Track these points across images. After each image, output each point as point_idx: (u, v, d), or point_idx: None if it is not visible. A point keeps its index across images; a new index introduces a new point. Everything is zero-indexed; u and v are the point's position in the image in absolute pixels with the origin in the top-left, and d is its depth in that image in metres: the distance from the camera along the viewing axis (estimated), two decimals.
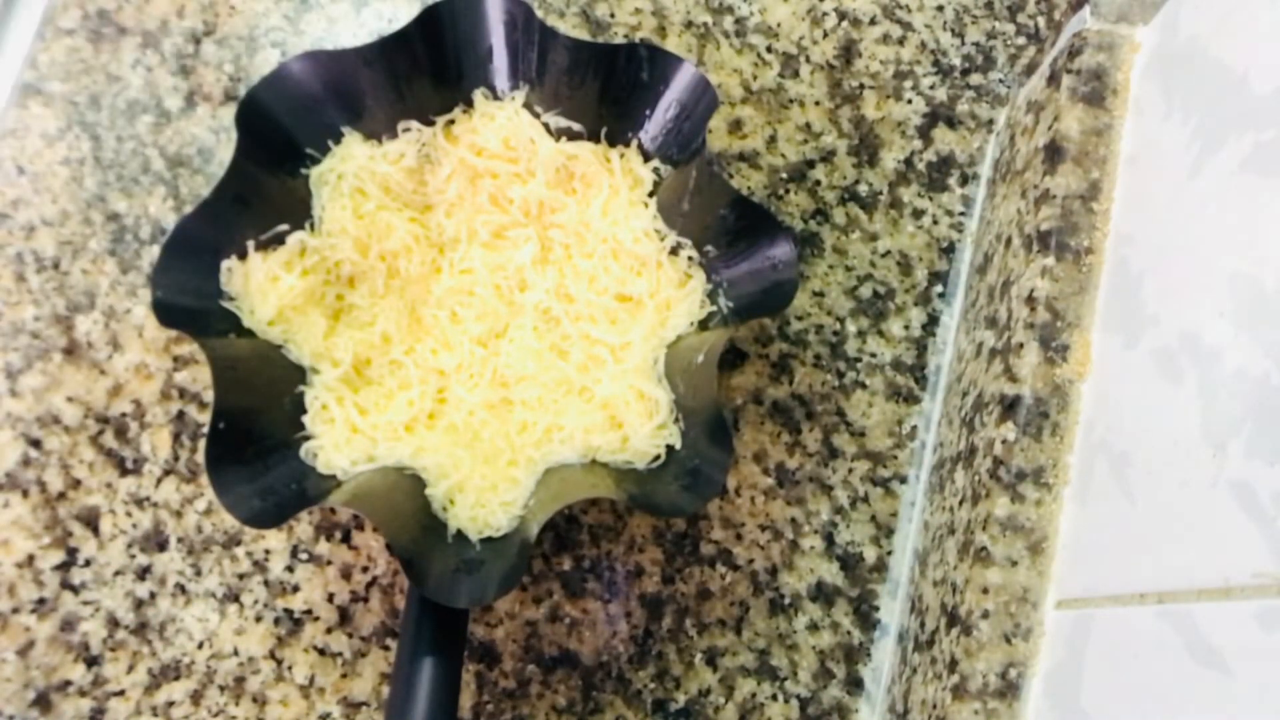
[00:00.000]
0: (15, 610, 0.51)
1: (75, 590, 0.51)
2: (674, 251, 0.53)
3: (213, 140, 0.57)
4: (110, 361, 0.54)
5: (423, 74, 0.53)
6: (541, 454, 0.51)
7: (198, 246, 0.49)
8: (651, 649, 0.53)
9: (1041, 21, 0.64)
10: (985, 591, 0.45)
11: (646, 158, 0.54)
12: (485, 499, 0.50)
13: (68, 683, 0.51)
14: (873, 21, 0.62)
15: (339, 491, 0.47)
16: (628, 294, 0.52)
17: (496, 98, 0.54)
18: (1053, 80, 0.52)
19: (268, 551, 0.53)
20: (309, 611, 0.52)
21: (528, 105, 0.54)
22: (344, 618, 0.52)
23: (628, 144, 0.54)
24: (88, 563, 0.52)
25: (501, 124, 0.54)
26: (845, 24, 0.62)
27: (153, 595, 0.52)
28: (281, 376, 0.50)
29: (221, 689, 0.51)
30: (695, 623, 0.54)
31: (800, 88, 0.61)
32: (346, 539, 0.53)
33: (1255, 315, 0.36)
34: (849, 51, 0.62)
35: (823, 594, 0.55)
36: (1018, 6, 0.64)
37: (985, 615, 0.45)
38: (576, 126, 0.54)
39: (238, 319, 0.50)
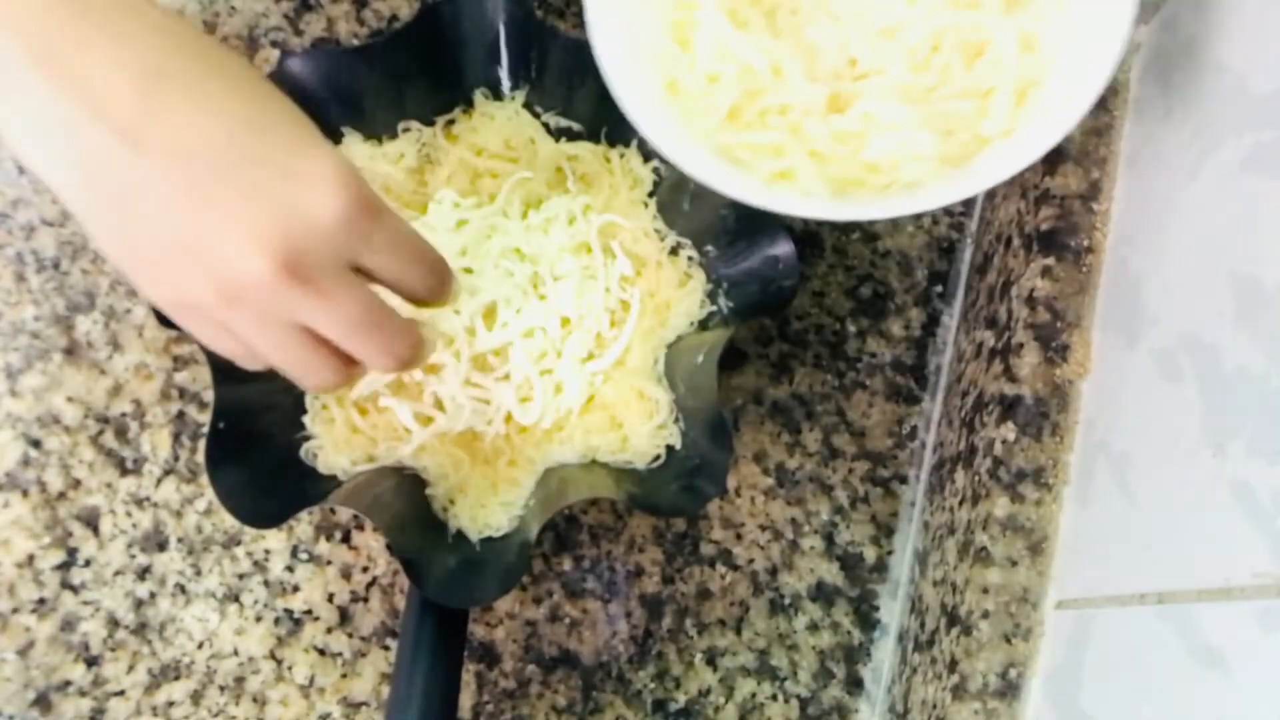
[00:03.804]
0: (15, 610, 0.51)
1: (75, 590, 0.51)
2: (674, 251, 0.53)
3: None
4: (110, 361, 0.54)
5: (423, 74, 0.53)
6: (541, 454, 0.51)
7: None
8: (651, 649, 0.53)
9: None
10: (985, 591, 0.45)
11: (646, 158, 0.54)
12: (485, 499, 0.50)
13: (68, 683, 0.51)
14: None
15: (339, 491, 0.47)
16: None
17: (497, 98, 0.54)
18: None
19: (268, 551, 0.53)
20: (309, 611, 0.52)
21: (528, 105, 0.54)
22: (344, 618, 0.52)
23: (628, 144, 0.54)
24: (88, 563, 0.52)
25: (501, 124, 0.54)
26: None
27: (153, 595, 0.52)
28: (281, 376, 0.50)
29: (221, 689, 0.51)
30: (695, 623, 0.54)
31: None
32: (346, 539, 0.53)
33: (1255, 315, 0.36)
34: None
35: (823, 594, 0.55)
36: None
37: (985, 615, 0.45)
38: (576, 126, 0.54)
39: None
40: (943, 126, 0.42)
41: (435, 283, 0.40)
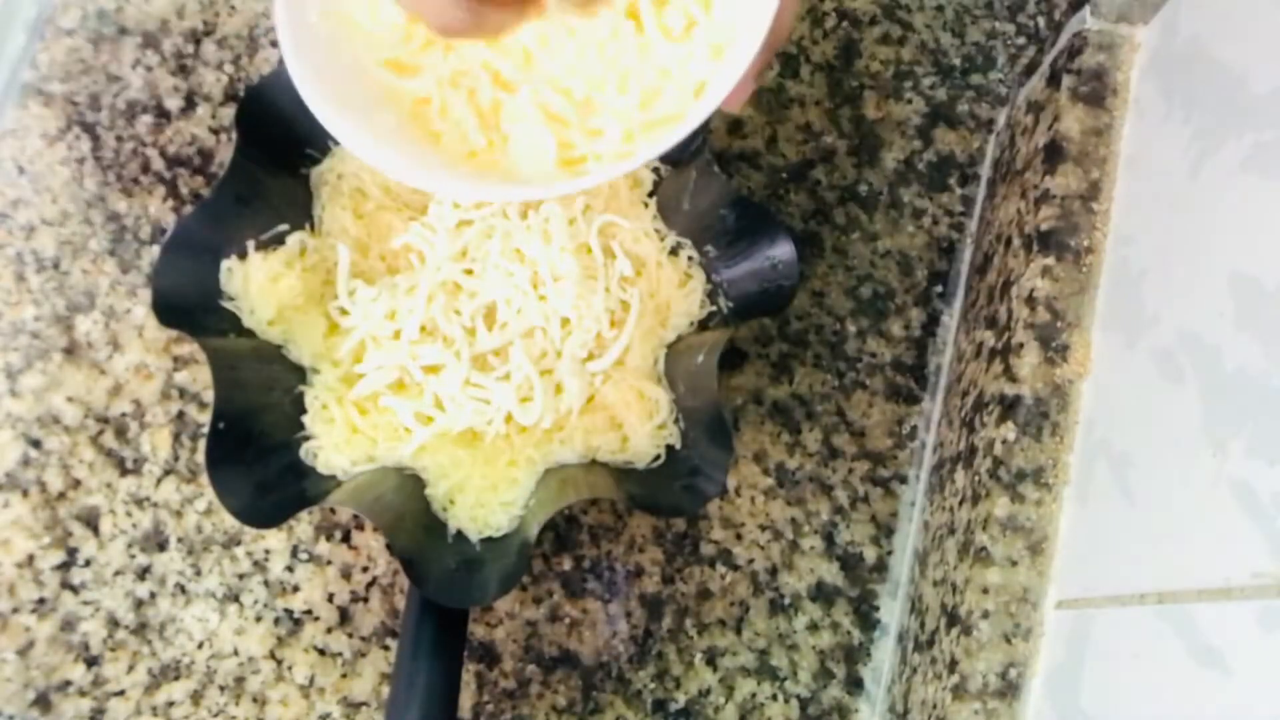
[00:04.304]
0: (15, 610, 0.51)
1: (75, 590, 0.51)
2: (674, 251, 0.53)
3: (213, 140, 0.57)
4: (110, 361, 0.54)
5: None
6: (541, 454, 0.51)
7: (198, 246, 0.49)
8: (651, 649, 0.53)
9: (1041, 21, 0.64)
10: (985, 591, 0.45)
11: None
12: (485, 499, 0.50)
13: (68, 683, 0.51)
14: (873, 21, 0.62)
15: (339, 491, 0.47)
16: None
17: None
18: (1053, 80, 0.52)
19: (268, 551, 0.53)
20: (309, 611, 0.52)
21: None
22: (344, 618, 0.52)
23: None
24: (88, 563, 0.52)
25: None
26: (845, 24, 0.62)
27: (153, 595, 0.52)
28: (281, 376, 0.50)
29: (221, 689, 0.51)
30: (695, 623, 0.54)
31: (800, 88, 0.61)
32: (346, 539, 0.53)
33: (1255, 315, 0.36)
34: (849, 51, 0.62)
35: (823, 594, 0.55)
36: (1018, 6, 0.64)
37: (985, 615, 0.45)
38: None
39: (238, 319, 0.50)
40: (567, 134, 0.40)
41: None
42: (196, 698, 0.51)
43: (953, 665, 0.45)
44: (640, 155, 0.39)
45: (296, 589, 0.52)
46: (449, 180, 0.40)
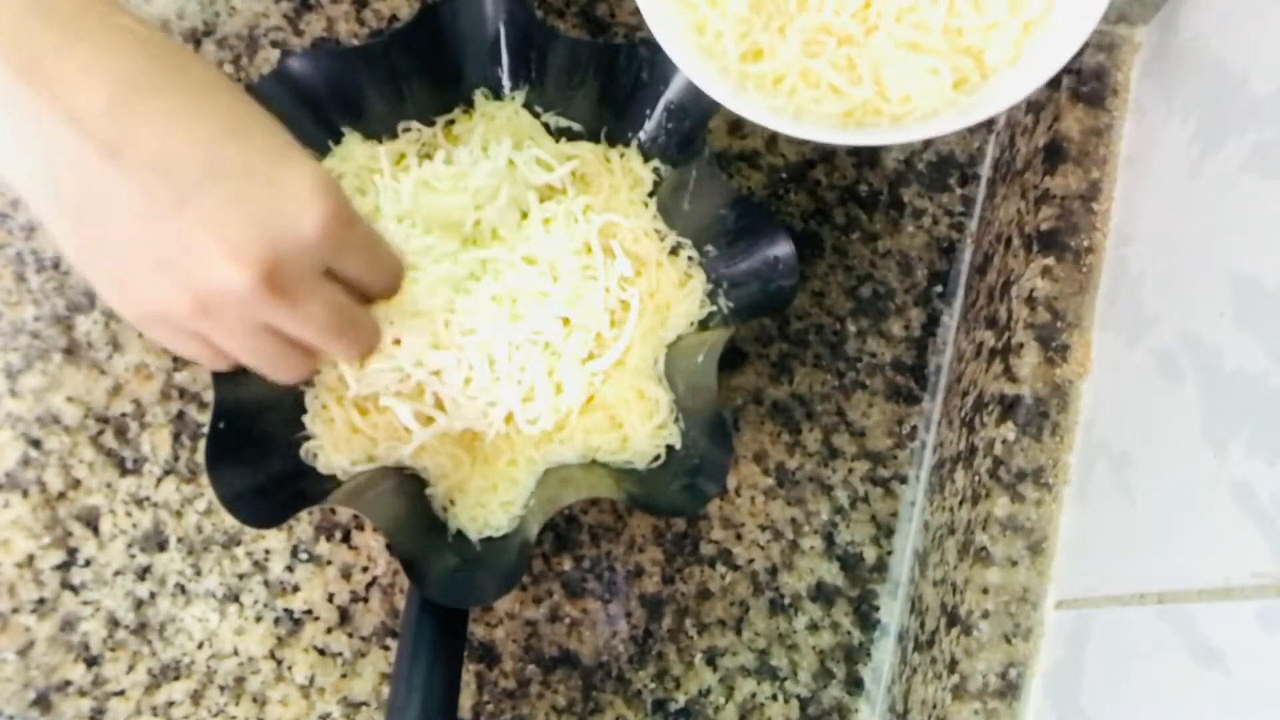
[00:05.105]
0: (15, 610, 0.51)
1: (75, 590, 0.51)
2: (674, 251, 0.53)
3: None
4: (110, 361, 0.54)
5: (423, 74, 0.53)
6: (541, 454, 0.51)
7: None
8: (651, 649, 0.53)
9: None
10: (985, 591, 0.45)
11: (646, 158, 0.54)
12: (485, 499, 0.50)
13: (68, 683, 0.51)
14: None
15: (339, 491, 0.47)
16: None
17: (497, 98, 0.54)
18: (1052, 80, 0.52)
19: (268, 551, 0.53)
20: (309, 611, 0.52)
21: (528, 105, 0.54)
22: (344, 618, 0.52)
23: (628, 144, 0.54)
24: (88, 563, 0.52)
25: (501, 124, 0.54)
26: None
27: (153, 595, 0.52)
28: None
29: (221, 689, 0.51)
30: (695, 623, 0.54)
31: None
32: (346, 539, 0.53)
33: (1255, 315, 0.36)
34: None
35: (823, 594, 0.55)
36: None
37: (985, 615, 0.45)
38: (576, 126, 0.54)
39: None
40: (952, 60, 0.45)
41: (393, 284, 0.42)
42: (196, 698, 0.51)
43: (953, 665, 0.46)
44: (1039, 69, 0.43)
45: (296, 589, 0.52)
46: (844, 136, 0.44)
